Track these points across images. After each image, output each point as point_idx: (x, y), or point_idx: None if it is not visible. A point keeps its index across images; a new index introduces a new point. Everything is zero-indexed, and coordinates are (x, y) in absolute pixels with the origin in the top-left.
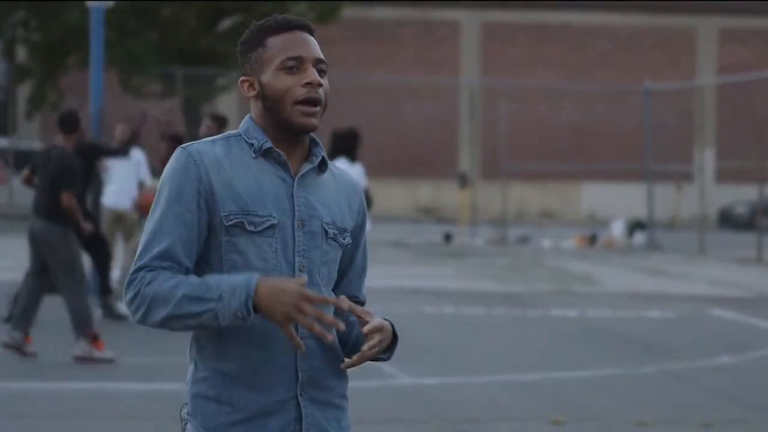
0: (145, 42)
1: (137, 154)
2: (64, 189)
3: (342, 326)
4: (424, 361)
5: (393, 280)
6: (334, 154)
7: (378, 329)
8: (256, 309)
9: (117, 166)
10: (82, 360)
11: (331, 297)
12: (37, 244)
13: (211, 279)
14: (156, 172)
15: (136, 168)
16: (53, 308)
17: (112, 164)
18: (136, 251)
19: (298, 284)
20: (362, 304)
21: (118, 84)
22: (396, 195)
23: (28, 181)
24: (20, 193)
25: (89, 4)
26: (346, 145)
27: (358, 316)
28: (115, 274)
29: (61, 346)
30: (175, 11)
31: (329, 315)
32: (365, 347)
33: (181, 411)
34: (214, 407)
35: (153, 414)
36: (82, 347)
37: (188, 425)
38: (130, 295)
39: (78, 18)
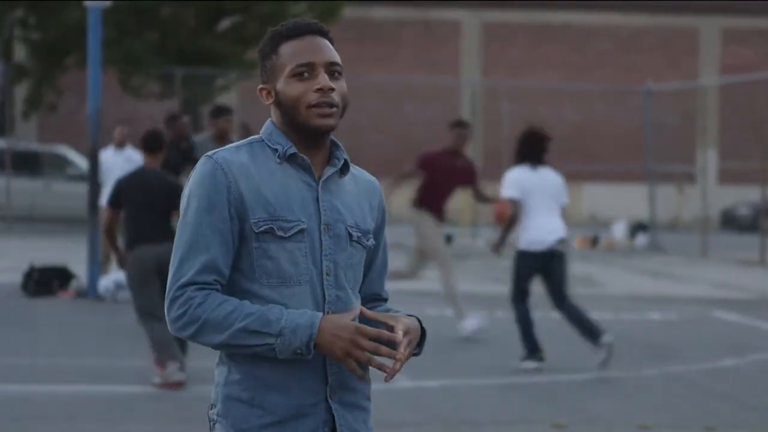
0: (144, 42)
1: (135, 155)
2: (175, 209)
3: (399, 355)
4: (425, 364)
5: (393, 282)
6: (515, 160)
7: (406, 332)
8: (315, 346)
9: (114, 167)
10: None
11: (378, 314)
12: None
13: (271, 313)
14: None
15: (131, 167)
16: (48, 312)
17: (109, 165)
18: None
19: (353, 319)
20: (385, 301)
21: (117, 84)
22: (396, 196)
23: (113, 221)
24: (18, 195)
25: (87, 3)
26: (522, 148)
27: (385, 324)
28: (104, 281)
29: (60, 348)
30: (174, 11)
31: (385, 347)
32: (399, 353)
33: (208, 411)
34: (246, 409)
35: (153, 417)
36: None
37: (217, 425)
38: (177, 312)
39: (78, 17)
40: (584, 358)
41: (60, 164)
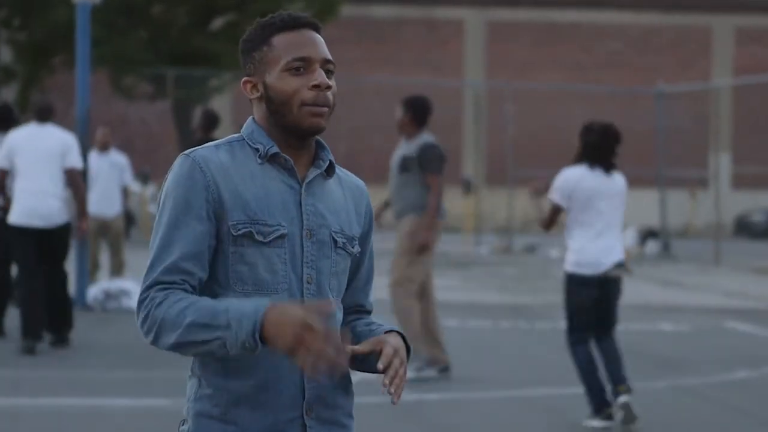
0: (134, 41)
1: (120, 159)
2: None
3: (343, 367)
4: (428, 378)
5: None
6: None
7: (395, 352)
8: (264, 340)
9: (100, 171)
10: None
11: (365, 347)
12: None
13: (220, 304)
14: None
15: (120, 173)
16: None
17: (94, 170)
18: (122, 264)
19: (305, 311)
20: (369, 312)
21: (107, 85)
22: None
23: None
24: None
25: (76, 0)
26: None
27: (374, 350)
28: (93, 290)
29: (42, 360)
30: (166, 9)
31: (331, 353)
32: (393, 381)
33: (179, 428)
34: (218, 426)
35: (143, 431)
36: None
37: None
38: (141, 315)
39: (65, 16)
40: None
41: None
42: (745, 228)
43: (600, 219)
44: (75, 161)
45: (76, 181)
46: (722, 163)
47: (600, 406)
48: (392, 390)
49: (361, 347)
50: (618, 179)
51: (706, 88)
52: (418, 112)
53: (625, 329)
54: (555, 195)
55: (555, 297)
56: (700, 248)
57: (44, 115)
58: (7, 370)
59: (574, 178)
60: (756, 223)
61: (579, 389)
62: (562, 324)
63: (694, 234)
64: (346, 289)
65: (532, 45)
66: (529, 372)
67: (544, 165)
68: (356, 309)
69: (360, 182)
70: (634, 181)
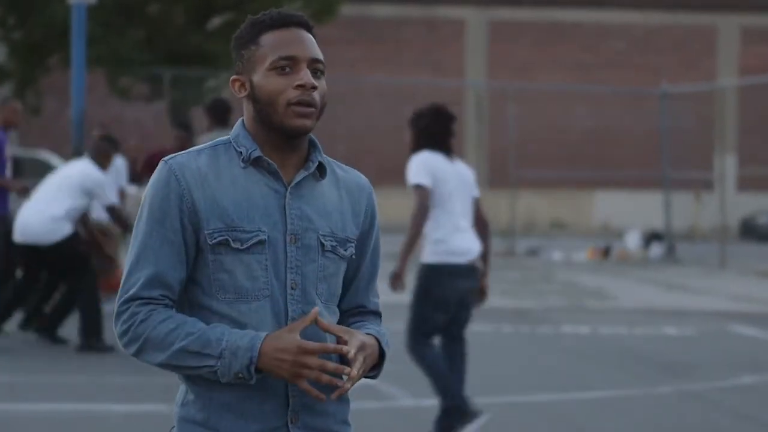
0: (130, 40)
1: (117, 160)
2: None
3: (348, 370)
4: (425, 381)
5: (394, 295)
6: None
7: (360, 348)
8: (260, 370)
9: None
10: None
11: (332, 326)
12: None
13: (212, 332)
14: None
15: (116, 176)
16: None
17: None
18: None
19: (297, 337)
20: (372, 313)
21: (102, 85)
22: (397, 204)
23: None
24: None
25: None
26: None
27: (338, 337)
28: None
29: (38, 365)
30: (163, 8)
31: (331, 363)
32: (353, 371)
33: None
34: None
35: None
36: None
37: None
38: (121, 328)
39: (61, 15)
40: (594, 375)
41: (42, 170)
42: (750, 230)
43: (460, 206)
44: None
45: None
46: (727, 165)
47: (466, 411)
48: (346, 385)
49: (328, 325)
50: (461, 166)
51: (711, 89)
52: (211, 113)
53: (629, 333)
54: (418, 177)
55: (558, 301)
56: (705, 251)
57: None
58: (3, 375)
59: (431, 160)
60: (762, 225)
61: (583, 395)
62: (565, 328)
63: (699, 236)
64: (347, 290)
65: (533, 45)
66: (531, 377)
67: (547, 166)
68: (358, 310)
69: (362, 180)
70: (638, 183)
